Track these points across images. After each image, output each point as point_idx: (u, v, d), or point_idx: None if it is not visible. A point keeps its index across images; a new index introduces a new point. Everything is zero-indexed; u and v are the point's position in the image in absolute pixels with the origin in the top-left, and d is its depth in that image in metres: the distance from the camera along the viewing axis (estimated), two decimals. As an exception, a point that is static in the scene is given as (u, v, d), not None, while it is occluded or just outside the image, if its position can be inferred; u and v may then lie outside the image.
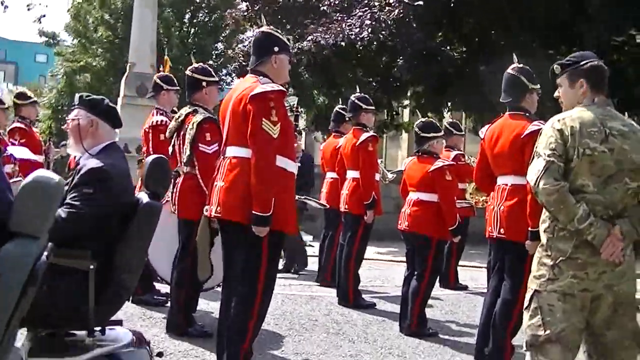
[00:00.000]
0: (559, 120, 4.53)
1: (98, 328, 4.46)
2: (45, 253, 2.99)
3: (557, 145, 4.45)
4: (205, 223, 6.79)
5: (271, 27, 6.26)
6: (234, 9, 25.15)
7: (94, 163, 4.73)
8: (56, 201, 2.99)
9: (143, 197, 4.68)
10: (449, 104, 23.16)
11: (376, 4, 19.84)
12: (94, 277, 4.38)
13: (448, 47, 21.29)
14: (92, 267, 4.37)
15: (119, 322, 4.69)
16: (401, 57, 19.98)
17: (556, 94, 4.90)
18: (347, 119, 11.03)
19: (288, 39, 6.33)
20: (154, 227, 4.73)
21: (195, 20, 40.23)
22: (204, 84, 7.60)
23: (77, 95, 5.30)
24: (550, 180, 4.39)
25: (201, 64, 8.09)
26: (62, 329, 4.48)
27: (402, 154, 38.71)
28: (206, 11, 40.36)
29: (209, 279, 7.19)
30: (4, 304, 2.76)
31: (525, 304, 4.64)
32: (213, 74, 7.94)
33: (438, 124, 9.04)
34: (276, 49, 5.89)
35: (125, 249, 4.54)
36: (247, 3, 23.82)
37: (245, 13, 24.03)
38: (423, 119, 8.83)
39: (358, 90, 10.66)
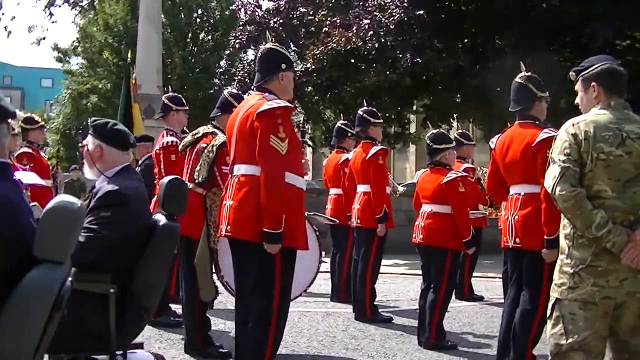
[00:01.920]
0: (573, 125, 4.51)
1: (119, 352, 4.46)
2: (70, 278, 3.01)
3: (572, 150, 4.43)
4: (204, 242, 6.81)
5: (277, 44, 6.28)
6: (239, 32, 25.24)
7: (110, 186, 4.76)
8: (79, 226, 3.01)
9: (160, 218, 4.69)
10: (456, 115, 23.23)
11: (377, 14, 19.90)
12: (114, 300, 4.39)
13: (451, 55, 21.31)
14: (112, 290, 4.38)
15: (140, 345, 4.70)
16: (404, 65, 19.99)
17: (577, 100, 4.89)
18: (349, 134, 11.05)
19: (292, 57, 6.36)
20: (173, 248, 4.74)
21: (197, 40, 40.40)
22: (234, 108, 7.63)
23: (89, 121, 5.32)
24: (566, 187, 4.38)
25: (239, 92, 8.13)
26: (83, 353, 4.48)
27: (410, 167, 38.77)
28: (209, 28, 40.51)
29: (214, 300, 7.20)
30: (31, 331, 2.77)
31: (548, 312, 4.61)
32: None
33: (449, 135, 9.00)
34: (283, 66, 5.89)
35: (145, 271, 4.55)
36: (253, 26, 23.98)
37: (249, 34, 24.18)
38: (434, 131, 8.80)
39: (365, 104, 10.64)
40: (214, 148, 7.13)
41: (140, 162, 10.60)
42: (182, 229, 7.08)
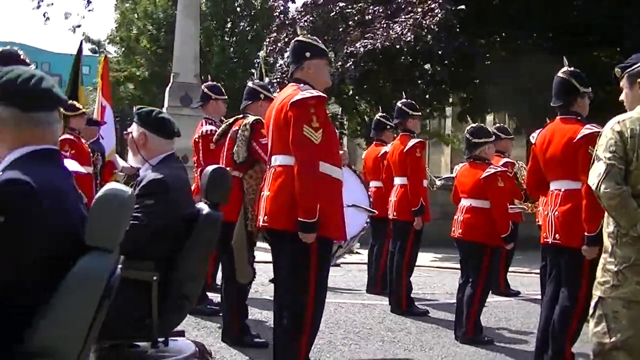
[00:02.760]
0: (618, 122, 4.45)
1: (161, 339, 4.49)
2: (119, 266, 3.03)
3: (617, 147, 4.37)
4: (241, 225, 6.84)
5: (307, 35, 6.29)
6: (273, 39, 25.16)
7: (154, 175, 4.79)
8: (128, 214, 3.02)
9: (203, 207, 4.71)
10: (489, 108, 23.18)
11: (419, 10, 19.84)
12: (157, 288, 4.42)
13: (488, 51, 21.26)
14: (155, 278, 4.41)
15: (182, 333, 4.72)
16: (444, 62, 19.98)
17: (621, 97, 4.85)
18: (387, 127, 11.04)
19: (325, 45, 6.34)
20: (215, 236, 4.75)
21: (236, 30, 40.46)
22: (261, 96, 7.69)
23: (134, 109, 5.37)
24: (611, 184, 4.33)
25: (262, 82, 8.19)
26: (126, 340, 4.51)
27: (445, 159, 38.66)
28: (248, 20, 40.56)
29: (252, 283, 7.24)
30: (81, 319, 2.79)
31: (590, 310, 4.57)
32: (270, 90, 8.05)
33: (488, 130, 8.94)
34: (308, 54, 5.90)
35: (187, 259, 4.57)
36: (285, 31, 23.98)
37: (286, 39, 24.19)
38: (473, 125, 8.74)
39: (404, 96, 10.60)
40: (248, 126, 7.21)
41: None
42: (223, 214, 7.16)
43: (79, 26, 43.21)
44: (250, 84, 7.94)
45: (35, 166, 2.88)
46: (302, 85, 5.75)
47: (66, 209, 2.88)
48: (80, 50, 8.53)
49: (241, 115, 7.56)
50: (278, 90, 24.44)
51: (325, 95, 5.77)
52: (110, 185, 3.00)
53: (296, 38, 6.12)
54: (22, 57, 5.55)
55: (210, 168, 4.88)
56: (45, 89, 3.02)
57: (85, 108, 11.39)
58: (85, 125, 11.01)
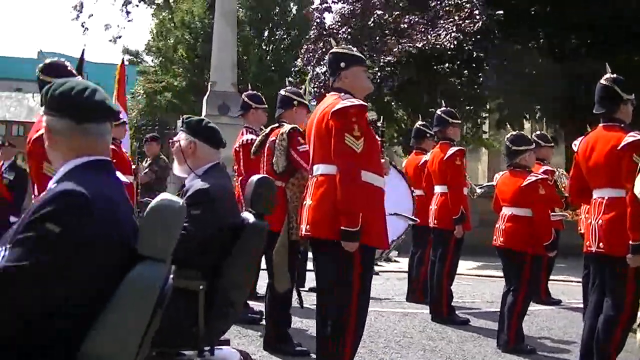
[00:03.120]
0: None
1: (207, 348, 4.51)
2: (172, 276, 3.07)
3: None
4: (285, 234, 6.87)
5: (342, 45, 6.32)
6: (310, 49, 25.16)
7: (200, 184, 4.84)
8: (180, 224, 3.05)
9: (249, 216, 4.73)
10: (528, 115, 23.07)
11: (456, 18, 19.81)
12: (204, 297, 4.45)
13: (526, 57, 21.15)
14: (201, 287, 4.44)
15: (227, 342, 4.75)
16: (486, 66, 19.93)
17: None
18: (427, 135, 11.03)
19: (360, 53, 6.36)
20: (261, 246, 4.78)
21: (273, 38, 40.57)
22: (295, 102, 7.73)
23: (181, 118, 5.43)
24: None
25: (295, 88, 8.23)
26: (172, 349, 4.53)
27: (482, 167, 38.50)
28: (284, 28, 40.67)
29: (289, 291, 7.25)
30: (134, 328, 2.82)
31: (638, 321, 4.54)
32: (303, 95, 8.08)
33: (529, 137, 8.89)
34: (342, 64, 5.92)
35: (233, 268, 4.59)
36: (322, 42, 24.03)
37: (323, 49, 24.22)
38: (514, 132, 8.73)
39: (444, 104, 10.58)
40: (285, 135, 7.25)
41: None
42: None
43: (119, 37, 43.62)
44: (282, 91, 7.98)
45: (89, 177, 2.91)
46: (342, 94, 5.77)
47: (119, 219, 2.91)
48: (82, 56, 8.47)
49: (277, 125, 7.60)
50: (314, 100, 24.61)
51: (366, 104, 5.78)
52: (163, 196, 3.03)
53: (331, 50, 6.13)
54: (69, 68, 5.63)
55: (255, 178, 4.90)
56: (99, 101, 3.06)
57: None
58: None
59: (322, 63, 25.41)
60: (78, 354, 2.76)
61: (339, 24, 23.89)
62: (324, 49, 24.11)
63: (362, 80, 6.01)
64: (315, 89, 24.00)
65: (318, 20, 25.09)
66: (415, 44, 20.05)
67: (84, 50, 8.00)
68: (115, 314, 2.77)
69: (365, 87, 6.04)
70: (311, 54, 24.77)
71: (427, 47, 19.84)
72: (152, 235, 2.90)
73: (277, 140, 7.29)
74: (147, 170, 12.56)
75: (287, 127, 7.32)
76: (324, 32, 24.25)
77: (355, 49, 6.25)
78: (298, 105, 7.76)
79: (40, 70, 5.62)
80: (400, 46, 20.38)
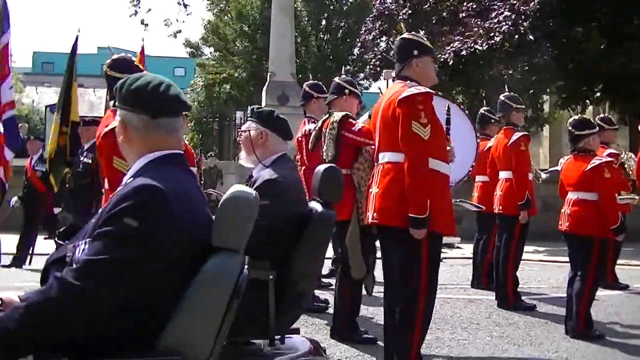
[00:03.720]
0: None
1: (278, 337, 4.53)
2: (246, 267, 3.09)
3: None
4: (355, 221, 6.88)
5: (412, 32, 6.29)
6: (370, 26, 25.23)
7: (269, 174, 4.88)
8: (254, 215, 3.07)
9: (316, 206, 4.74)
10: (591, 97, 22.80)
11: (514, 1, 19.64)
12: (274, 287, 4.47)
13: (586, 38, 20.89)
14: (271, 277, 4.47)
15: (297, 331, 4.76)
16: (543, 49, 19.75)
17: None
18: (491, 121, 10.95)
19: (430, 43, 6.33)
20: (329, 235, 4.78)
21: (330, 27, 40.54)
22: (346, 91, 7.75)
23: (249, 108, 5.46)
24: None
25: (349, 77, 8.24)
26: (243, 337, 4.56)
27: (544, 151, 38.08)
28: (341, 16, 40.61)
29: (366, 278, 7.26)
30: (211, 319, 2.85)
31: None
32: (357, 86, 8.09)
33: (592, 121, 8.78)
34: (415, 52, 5.90)
35: (301, 257, 4.59)
36: (382, 20, 24.04)
37: (380, 27, 24.22)
38: (576, 117, 8.63)
39: (507, 89, 10.50)
40: (335, 123, 7.28)
41: (86, 148, 10.37)
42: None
43: (179, 31, 43.93)
44: (336, 79, 8.01)
45: (164, 171, 2.95)
46: (408, 82, 5.76)
47: (194, 212, 2.94)
48: (75, 47, 8.24)
49: (327, 116, 7.62)
50: (372, 81, 24.49)
51: (433, 92, 5.76)
52: (236, 188, 3.06)
53: (402, 35, 6.11)
54: (135, 62, 5.69)
55: (322, 167, 4.90)
56: (174, 95, 3.09)
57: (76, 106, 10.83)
58: (81, 127, 10.60)
59: (378, 42, 25.49)
60: (156, 344, 2.81)
61: (398, 4, 23.88)
62: (381, 29, 24.16)
63: (431, 71, 6.00)
64: (371, 68, 24.04)
65: (379, 1, 25.08)
66: (470, 41, 19.90)
67: (77, 38, 7.86)
68: (191, 305, 2.81)
69: (432, 78, 6.03)
70: (368, 35, 24.88)
71: (481, 41, 19.68)
72: (226, 227, 2.93)
73: (327, 130, 7.33)
74: None
75: (337, 116, 7.33)
76: (385, 13, 24.28)
77: (424, 38, 6.22)
78: (349, 94, 7.78)
79: (108, 66, 5.69)
80: (456, 42, 20.24)
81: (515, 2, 19.63)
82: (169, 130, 3.09)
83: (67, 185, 10.43)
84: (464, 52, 19.94)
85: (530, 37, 19.93)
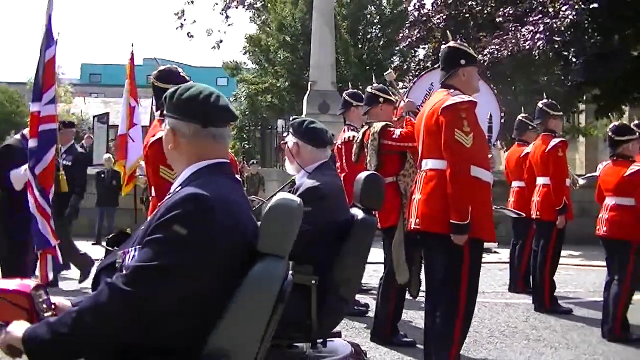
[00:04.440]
0: None
1: (320, 340, 4.54)
2: (291, 272, 3.10)
3: None
4: (401, 228, 6.88)
5: (458, 41, 6.26)
6: (407, 34, 25.22)
7: (311, 183, 4.89)
8: (299, 222, 3.08)
9: (358, 213, 4.74)
10: (631, 102, 22.59)
11: (550, 10, 19.49)
12: (316, 291, 4.48)
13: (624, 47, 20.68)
14: (313, 281, 4.47)
15: (339, 334, 4.76)
16: (577, 61, 19.61)
17: None
18: (529, 127, 10.89)
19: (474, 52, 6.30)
20: (370, 241, 4.78)
21: (369, 36, 40.49)
22: (381, 100, 7.74)
23: (284, 119, 5.50)
24: None
25: (382, 85, 8.22)
26: (286, 341, 4.57)
27: (580, 157, 37.81)
28: (379, 26, 40.55)
29: (412, 282, 7.25)
30: (257, 322, 2.86)
31: None
32: (390, 93, 8.06)
33: (632, 127, 8.68)
34: (463, 62, 5.88)
35: (343, 263, 4.61)
36: (419, 27, 24.02)
37: (418, 35, 24.19)
38: (616, 123, 8.57)
39: (545, 97, 10.41)
40: (376, 135, 7.29)
41: (64, 150, 10.42)
42: (383, 220, 7.12)
43: (221, 42, 44.20)
44: (369, 89, 7.98)
45: (212, 180, 2.96)
46: (452, 90, 5.75)
47: (240, 220, 2.95)
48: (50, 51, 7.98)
49: (367, 127, 7.61)
50: (413, 83, 24.51)
51: (476, 101, 5.74)
52: (282, 195, 3.07)
53: (449, 44, 6.08)
54: (182, 74, 5.72)
55: (364, 174, 4.91)
56: (224, 106, 3.10)
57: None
58: (62, 129, 10.25)
59: (416, 49, 25.47)
60: (205, 347, 2.82)
61: (435, 11, 23.84)
62: (418, 36, 24.13)
63: (475, 80, 6.00)
64: (417, 71, 24.07)
65: (417, 5, 25.05)
66: (506, 48, 19.84)
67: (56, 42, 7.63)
68: (238, 309, 2.81)
69: (476, 88, 6.01)
70: (406, 42, 24.90)
71: (517, 49, 19.62)
72: (272, 233, 2.94)
73: (369, 141, 7.34)
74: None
75: (377, 127, 7.33)
76: (423, 19, 24.26)
77: (470, 47, 6.20)
78: (384, 102, 7.76)
79: (155, 77, 5.72)
80: (491, 47, 20.19)
81: (548, 20, 19.49)
82: (218, 139, 3.10)
83: None
84: (500, 55, 19.88)
85: (565, 53, 19.83)
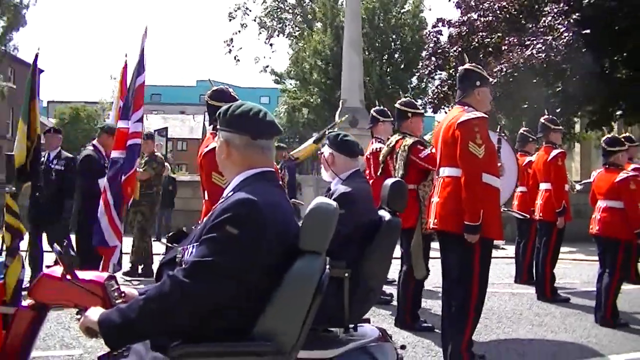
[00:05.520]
0: None
1: (351, 325, 4.51)
2: (328, 266, 3.10)
3: None
4: (419, 229, 6.86)
5: (473, 64, 6.23)
6: (426, 63, 25.33)
7: (344, 188, 4.89)
8: (334, 223, 3.08)
9: (385, 214, 4.71)
10: (616, 119, 22.41)
11: (549, 38, 19.44)
12: (348, 283, 4.46)
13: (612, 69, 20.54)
14: (346, 274, 4.45)
15: (368, 320, 4.73)
16: (575, 78, 19.53)
17: None
18: (530, 139, 10.84)
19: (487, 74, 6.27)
20: (396, 239, 4.75)
21: (392, 60, 40.50)
22: (409, 114, 7.69)
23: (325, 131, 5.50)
24: None
25: (408, 98, 8.20)
26: (321, 326, 4.55)
27: (575, 165, 37.48)
28: (401, 50, 40.53)
29: (427, 277, 7.23)
30: (298, 311, 2.86)
31: None
32: (417, 106, 8.02)
33: (622, 139, 8.62)
34: (478, 83, 5.89)
35: (372, 259, 4.57)
36: (435, 57, 24.07)
37: (435, 63, 24.24)
38: (609, 135, 8.58)
39: (546, 113, 10.35)
40: (406, 147, 7.29)
41: (54, 155, 9.64)
42: (403, 221, 7.11)
43: (267, 67, 44.80)
44: (397, 105, 7.92)
45: (260, 186, 2.96)
46: (466, 107, 5.76)
47: (284, 222, 2.95)
48: (35, 63, 7.39)
49: (401, 136, 7.58)
50: (432, 112, 24.37)
51: (487, 116, 5.72)
52: (319, 200, 3.08)
53: (465, 66, 6.05)
54: (232, 93, 5.73)
55: (390, 180, 4.88)
56: (270, 121, 3.12)
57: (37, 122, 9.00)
58: (47, 134, 9.76)
59: (434, 76, 25.55)
60: (253, 331, 2.82)
61: (449, 44, 23.93)
62: (436, 64, 24.18)
63: (488, 100, 6.00)
64: (430, 100, 24.13)
65: (435, 39, 25.09)
66: (511, 63, 19.82)
67: (36, 55, 7.10)
68: (282, 299, 2.83)
69: (487, 106, 6.01)
70: (425, 70, 25.03)
71: (521, 62, 19.58)
72: (311, 233, 2.96)
73: (400, 151, 7.32)
74: (145, 167, 11.25)
75: (409, 141, 7.31)
76: (438, 50, 24.35)
77: (484, 70, 6.16)
78: (412, 115, 7.71)
79: (209, 96, 5.73)
80: (499, 66, 20.14)
81: (548, 38, 19.43)
82: (265, 150, 3.11)
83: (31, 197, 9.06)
84: (505, 72, 19.89)
85: (564, 66, 19.69)
